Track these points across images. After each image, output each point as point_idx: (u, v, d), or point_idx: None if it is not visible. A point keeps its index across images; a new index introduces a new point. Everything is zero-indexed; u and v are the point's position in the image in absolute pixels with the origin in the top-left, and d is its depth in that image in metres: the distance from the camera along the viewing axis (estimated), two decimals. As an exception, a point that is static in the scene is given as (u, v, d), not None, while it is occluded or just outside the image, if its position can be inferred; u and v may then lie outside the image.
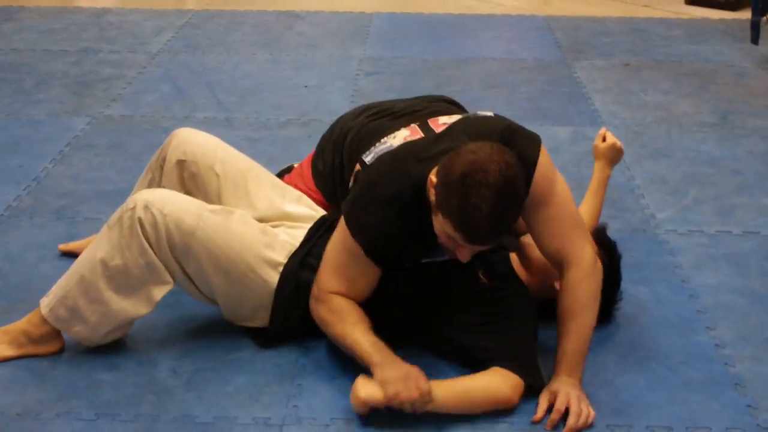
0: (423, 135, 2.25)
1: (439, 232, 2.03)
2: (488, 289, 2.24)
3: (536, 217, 2.16)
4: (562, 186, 2.20)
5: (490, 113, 2.33)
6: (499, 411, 2.09)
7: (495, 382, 2.07)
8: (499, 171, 1.93)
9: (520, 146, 2.12)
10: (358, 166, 2.31)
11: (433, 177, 2.02)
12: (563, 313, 2.15)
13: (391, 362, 2.06)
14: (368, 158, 2.27)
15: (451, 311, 2.22)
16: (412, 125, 2.31)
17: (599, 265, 2.20)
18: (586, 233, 2.22)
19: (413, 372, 2.03)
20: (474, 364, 2.15)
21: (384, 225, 2.10)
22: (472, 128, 2.20)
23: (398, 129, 2.32)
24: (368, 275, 2.17)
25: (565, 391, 2.08)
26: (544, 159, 2.16)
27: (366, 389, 2.02)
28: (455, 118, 2.29)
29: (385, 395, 2.00)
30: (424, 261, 2.25)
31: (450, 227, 1.97)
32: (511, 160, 1.97)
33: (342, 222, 2.16)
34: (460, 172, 1.93)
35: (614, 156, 2.64)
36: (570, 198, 2.21)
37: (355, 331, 2.13)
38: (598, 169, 2.64)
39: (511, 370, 2.10)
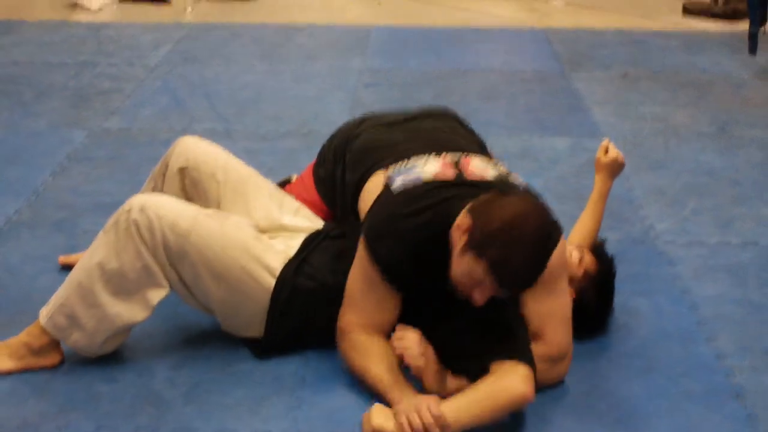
0: (455, 176, 2.21)
1: (461, 272, 2.02)
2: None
3: (533, 297, 2.14)
4: (565, 284, 2.21)
5: (523, 182, 2.27)
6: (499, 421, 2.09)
7: (506, 382, 2.02)
8: (543, 224, 2.00)
9: None
10: (381, 180, 2.26)
11: (466, 219, 2.02)
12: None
13: (408, 398, 2.04)
14: (395, 183, 2.22)
15: (440, 320, 2.20)
16: (445, 160, 2.26)
17: (566, 362, 2.20)
18: (570, 328, 2.20)
19: (425, 399, 2.00)
20: (478, 367, 2.10)
21: (405, 256, 2.10)
22: None
23: (423, 153, 2.29)
24: (388, 304, 2.17)
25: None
26: (561, 250, 2.16)
27: (379, 418, 2.01)
28: (489, 172, 2.24)
29: (397, 424, 1.98)
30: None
31: (483, 269, 1.97)
32: (551, 219, 2.06)
33: (360, 253, 2.17)
34: (505, 216, 1.97)
35: (616, 169, 2.65)
36: (569, 296, 2.22)
37: (377, 368, 2.13)
38: (599, 180, 2.64)
39: (516, 360, 2.05)
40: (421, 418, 1.95)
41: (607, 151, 2.64)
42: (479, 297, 2.03)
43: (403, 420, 1.97)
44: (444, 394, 2.07)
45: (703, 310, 2.56)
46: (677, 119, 3.95)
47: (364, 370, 2.15)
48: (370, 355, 2.15)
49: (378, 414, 2.02)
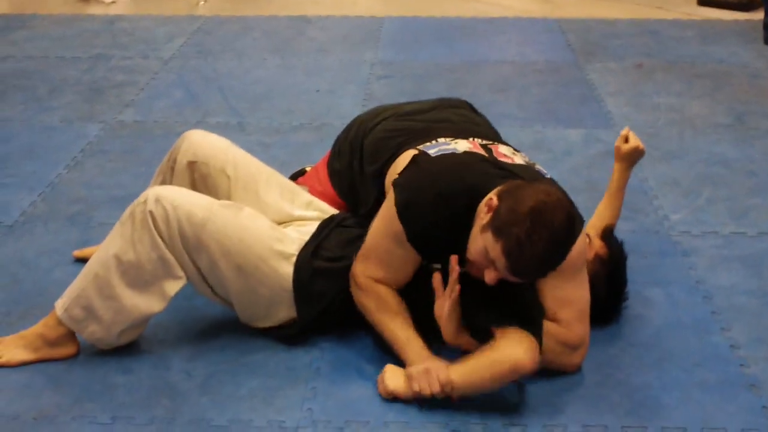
0: (487, 155, 2.24)
1: (477, 249, 2.03)
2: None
3: (551, 282, 2.14)
4: (585, 276, 2.22)
5: (547, 173, 2.29)
6: (512, 411, 2.10)
7: (508, 351, 2.03)
8: (566, 220, 1.98)
9: None
10: (416, 152, 2.26)
11: (494, 198, 2.02)
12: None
13: (421, 360, 2.12)
14: (432, 150, 2.24)
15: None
16: (474, 141, 2.30)
17: (581, 352, 2.21)
18: (588, 321, 2.21)
19: (434, 365, 2.08)
20: (485, 334, 2.12)
21: (432, 218, 2.11)
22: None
23: (452, 137, 2.31)
24: (407, 264, 2.20)
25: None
26: (581, 243, 2.16)
27: (393, 381, 2.13)
28: (517, 158, 2.27)
29: (409, 390, 2.10)
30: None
31: (498, 251, 1.97)
32: (576, 214, 2.04)
33: (388, 207, 2.17)
34: (531, 204, 1.95)
35: (636, 157, 2.64)
36: (588, 287, 2.22)
37: (393, 323, 2.19)
38: (618, 169, 2.63)
39: (520, 327, 2.06)
40: (430, 386, 2.06)
41: (627, 140, 2.63)
42: (490, 278, 2.03)
43: (416, 388, 2.09)
44: (455, 345, 2.15)
45: (718, 301, 2.56)
46: (692, 110, 3.93)
47: (380, 325, 2.22)
48: (386, 310, 2.20)
49: (391, 377, 2.14)
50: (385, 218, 2.18)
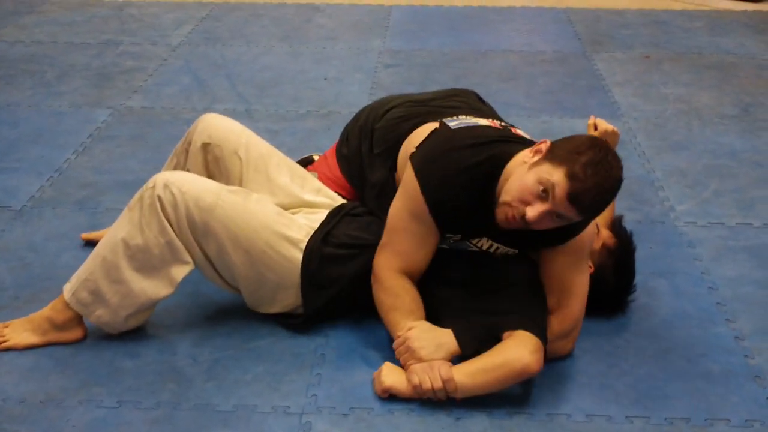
0: (504, 130, 2.26)
1: (523, 185, 1.99)
2: (495, 260, 2.25)
3: (558, 259, 2.16)
4: (587, 262, 2.23)
5: None
6: (516, 399, 2.10)
7: (515, 353, 2.04)
8: (619, 171, 1.99)
9: None
10: (437, 124, 2.27)
11: (543, 144, 2.04)
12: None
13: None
14: (453, 123, 2.25)
15: (458, 282, 2.23)
16: (494, 122, 2.32)
17: (574, 334, 2.23)
18: (585, 305, 2.22)
19: (437, 361, 2.07)
20: (490, 333, 2.12)
21: (453, 188, 2.11)
22: None
23: (471, 116, 2.33)
24: (427, 242, 2.18)
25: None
26: (592, 228, 2.20)
27: (391, 377, 2.10)
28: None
29: (410, 385, 2.08)
30: (453, 244, 2.25)
31: (561, 175, 1.95)
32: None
33: (406, 182, 2.16)
34: (592, 143, 1.98)
35: (611, 140, 2.64)
36: (588, 274, 2.24)
37: (404, 321, 2.17)
38: None
39: (526, 330, 2.06)
40: (432, 380, 2.04)
41: (596, 128, 2.64)
42: (533, 213, 1.99)
43: (416, 381, 2.06)
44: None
45: (723, 292, 2.56)
46: (700, 101, 3.93)
47: (390, 324, 2.20)
48: (399, 309, 2.19)
49: (389, 373, 2.11)
50: (405, 193, 2.17)
